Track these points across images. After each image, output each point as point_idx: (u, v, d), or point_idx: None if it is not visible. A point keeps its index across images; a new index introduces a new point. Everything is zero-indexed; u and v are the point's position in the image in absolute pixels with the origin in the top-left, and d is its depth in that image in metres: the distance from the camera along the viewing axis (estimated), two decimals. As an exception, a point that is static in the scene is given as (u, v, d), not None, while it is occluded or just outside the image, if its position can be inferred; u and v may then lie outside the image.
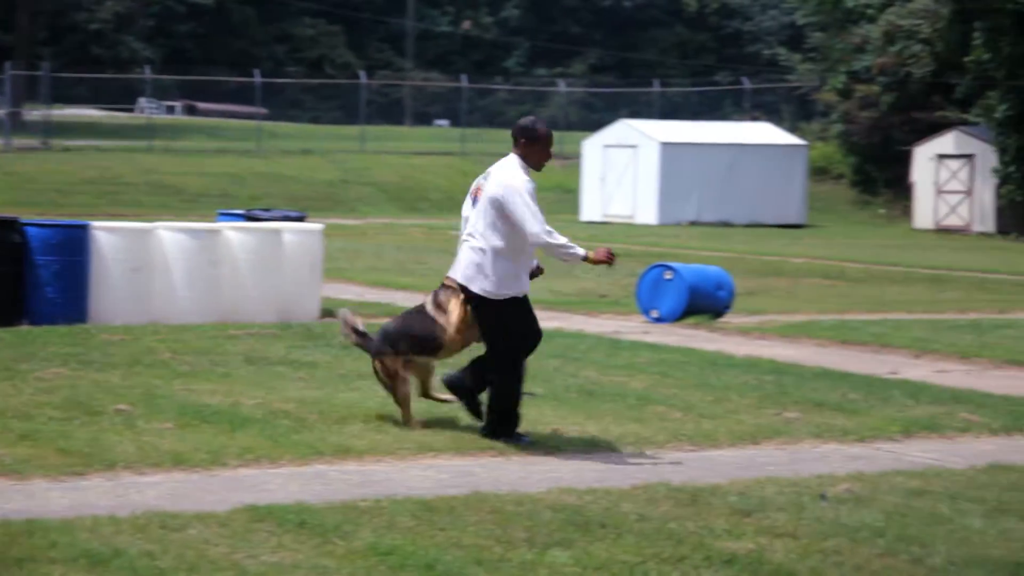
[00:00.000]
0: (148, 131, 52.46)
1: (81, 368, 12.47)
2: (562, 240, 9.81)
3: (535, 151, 9.84)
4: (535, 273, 10.26)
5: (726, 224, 44.42)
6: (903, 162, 48.43)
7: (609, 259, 9.77)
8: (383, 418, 10.58)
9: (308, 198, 45.24)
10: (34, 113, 54.47)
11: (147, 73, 58.82)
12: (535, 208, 9.71)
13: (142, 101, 63.03)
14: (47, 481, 8.60)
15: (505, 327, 9.93)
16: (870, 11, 51.70)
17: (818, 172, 51.75)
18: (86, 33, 74.48)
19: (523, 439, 9.97)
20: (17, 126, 52.03)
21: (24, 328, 15.07)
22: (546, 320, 17.79)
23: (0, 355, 13.06)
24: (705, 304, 18.21)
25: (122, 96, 63.91)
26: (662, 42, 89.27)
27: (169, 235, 16.28)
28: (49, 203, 39.82)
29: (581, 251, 9.80)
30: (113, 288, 15.85)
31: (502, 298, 9.88)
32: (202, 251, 16.19)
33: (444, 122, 71.69)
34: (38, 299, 15.57)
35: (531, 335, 10.09)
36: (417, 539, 7.27)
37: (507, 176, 9.79)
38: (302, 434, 9.98)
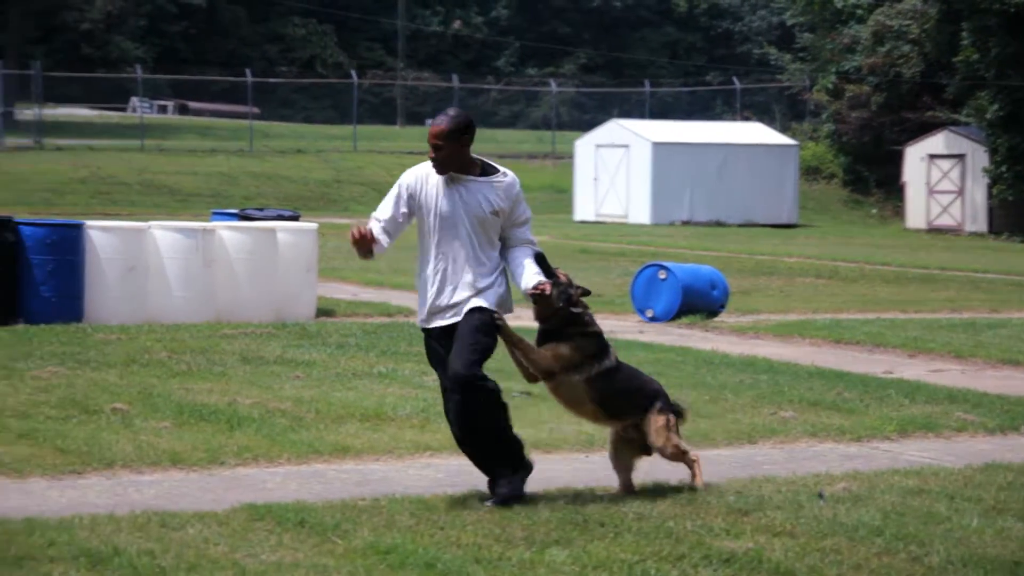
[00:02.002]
0: (140, 130, 52.41)
1: (78, 367, 12.48)
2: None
3: None
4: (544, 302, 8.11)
5: (719, 224, 44.46)
6: (894, 162, 48.48)
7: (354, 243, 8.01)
8: (380, 417, 10.59)
9: (301, 197, 45.23)
10: (26, 112, 54.42)
11: (139, 72, 58.78)
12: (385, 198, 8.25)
13: (134, 100, 62.95)
14: (46, 480, 8.61)
15: None
16: (859, 11, 51.78)
17: (810, 172, 51.80)
18: (77, 32, 74.33)
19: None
20: (9, 125, 51.98)
21: (20, 327, 15.07)
22: (541, 319, 17.83)
23: (-4, 354, 13.06)
24: (699, 303, 18.23)
25: (114, 95, 63.90)
26: (652, 42, 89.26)
27: (163, 234, 16.28)
28: (42, 202, 39.79)
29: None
30: (108, 287, 15.85)
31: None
32: (197, 250, 16.18)
33: (435, 121, 71.54)
34: (33, 298, 15.57)
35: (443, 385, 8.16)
36: (416, 538, 7.28)
37: None
38: (299, 433, 9.99)
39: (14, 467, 8.80)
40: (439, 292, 8.05)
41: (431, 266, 8.09)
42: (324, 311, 17.65)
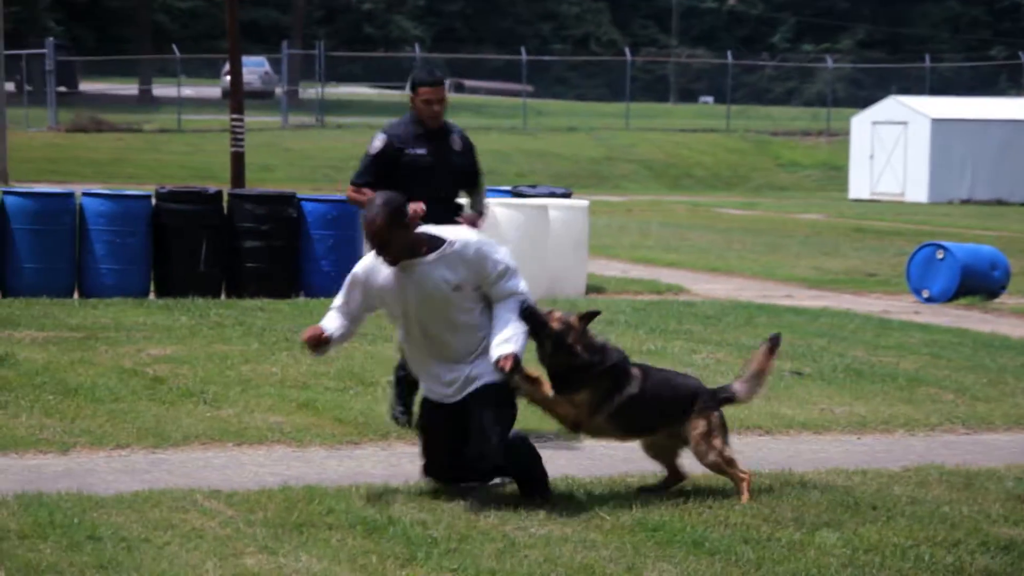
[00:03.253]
0: (417, 109, 53.32)
1: (355, 340, 12.74)
2: None
3: None
4: None
5: (1000, 202, 43.19)
6: None
7: None
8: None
9: (573, 175, 45.48)
10: (309, 91, 56.04)
11: (417, 51, 59.90)
12: None
13: (413, 79, 64.11)
14: (324, 449, 8.88)
15: None
16: None
17: (1099, 149, 49.83)
18: (359, 13, 76.14)
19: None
20: (294, 104, 53.61)
21: (301, 300, 15.56)
22: (812, 299, 17.62)
23: (280, 326, 13.50)
24: (979, 284, 17.74)
25: (393, 74, 65.20)
26: (933, 16, 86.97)
27: (439, 211, 16.56)
28: (324, 179, 40.93)
29: None
30: (385, 263, 16.21)
31: None
32: (471, 227, 16.41)
33: (709, 99, 71.29)
34: (314, 273, 16.04)
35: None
36: (684, 516, 7.27)
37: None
38: (569, 409, 10.03)
39: (295, 436, 9.09)
40: (430, 375, 7.62)
41: (413, 354, 7.70)
42: (594, 288, 17.75)
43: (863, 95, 59.31)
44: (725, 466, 7.68)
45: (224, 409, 9.74)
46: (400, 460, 8.59)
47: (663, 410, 7.65)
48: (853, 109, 50.56)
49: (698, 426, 7.63)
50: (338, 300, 7.76)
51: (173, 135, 47.96)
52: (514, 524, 7.07)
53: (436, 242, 7.49)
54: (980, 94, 55.07)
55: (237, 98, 23.47)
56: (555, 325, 7.47)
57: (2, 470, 8.05)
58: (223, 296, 15.76)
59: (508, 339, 7.38)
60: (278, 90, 57.17)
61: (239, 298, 15.58)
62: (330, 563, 6.37)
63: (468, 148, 9.57)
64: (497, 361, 7.34)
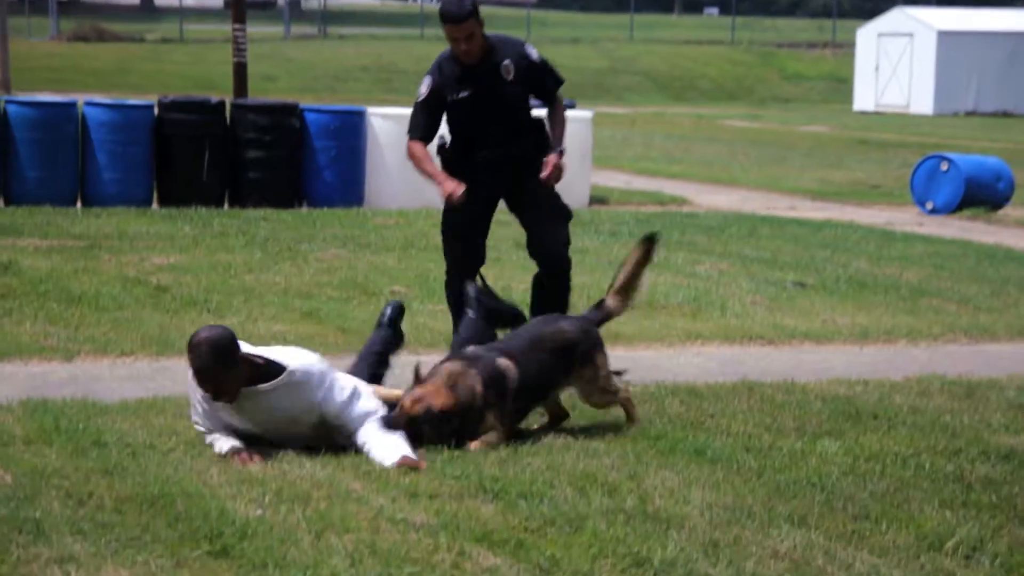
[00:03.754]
0: (420, 19, 53.10)
1: (358, 250, 12.82)
2: None
3: None
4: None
5: (1006, 114, 43.03)
6: None
7: None
8: (652, 305, 10.62)
9: (577, 86, 45.23)
10: (312, 1, 55.68)
11: (420, -39, 59.44)
12: None
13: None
14: (328, 358, 8.85)
15: None
16: None
17: (1106, 61, 49.56)
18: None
19: None
20: (296, 14, 53.27)
21: (304, 211, 15.56)
22: (816, 211, 17.63)
23: (282, 236, 13.52)
24: (983, 196, 17.72)
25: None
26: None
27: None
28: (326, 89, 40.76)
29: None
30: (387, 173, 16.20)
31: None
32: (474, 137, 16.37)
33: (714, 10, 70.82)
34: (316, 182, 16.02)
35: None
36: (686, 425, 7.30)
37: None
38: (572, 319, 10.05)
39: (298, 345, 9.08)
40: None
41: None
42: (597, 199, 17.73)
43: (869, 6, 58.92)
44: (612, 398, 7.38)
45: (228, 318, 9.75)
46: (404, 371, 8.59)
47: (550, 376, 7.20)
48: (859, 20, 50.23)
49: (583, 375, 7.28)
50: (210, 432, 6.76)
51: (175, 45, 47.70)
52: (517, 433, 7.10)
53: (274, 368, 6.66)
54: (987, 6, 54.70)
55: (239, 8, 23.31)
56: (416, 409, 6.84)
57: (7, 377, 8.09)
58: (226, 206, 15.75)
59: (391, 444, 6.60)
60: (281, 0, 56.79)
61: (242, 208, 15.58)
62: (334, 470, 6.40)
63: (526, 70, 8.13)
64: (400, 464, 6.44)
